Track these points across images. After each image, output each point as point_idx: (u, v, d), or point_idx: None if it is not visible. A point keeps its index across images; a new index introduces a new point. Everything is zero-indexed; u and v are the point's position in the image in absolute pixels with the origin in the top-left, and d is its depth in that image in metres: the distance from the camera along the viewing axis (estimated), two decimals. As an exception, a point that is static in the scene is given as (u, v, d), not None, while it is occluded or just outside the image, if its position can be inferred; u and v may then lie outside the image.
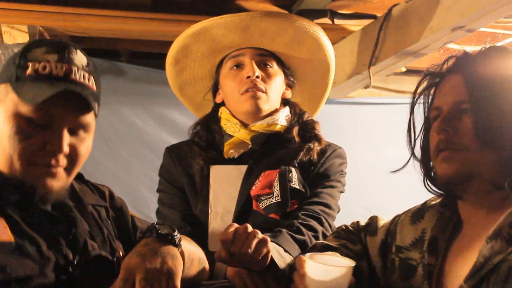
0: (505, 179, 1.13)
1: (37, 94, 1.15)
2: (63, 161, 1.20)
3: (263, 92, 1.79)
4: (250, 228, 1.38)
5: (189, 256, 1.26)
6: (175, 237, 1.18)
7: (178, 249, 1.17)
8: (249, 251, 1.33)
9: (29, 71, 1.18)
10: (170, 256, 1.12)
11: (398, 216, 1.45)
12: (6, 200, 1.17)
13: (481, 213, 1.21)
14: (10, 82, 1.19)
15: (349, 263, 1.26)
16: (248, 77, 1.79)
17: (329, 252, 1.40)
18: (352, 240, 1.50)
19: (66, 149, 1.19)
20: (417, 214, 1.38)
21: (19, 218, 1.16)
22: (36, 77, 1.17)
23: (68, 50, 1.21)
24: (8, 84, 1.19)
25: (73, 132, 1.22)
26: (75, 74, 1.20)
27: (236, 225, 1.39)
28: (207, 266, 1.41)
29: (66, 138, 1.19)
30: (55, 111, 1.18)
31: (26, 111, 1.16)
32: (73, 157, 1.22)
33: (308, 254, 1.31)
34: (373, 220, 1.52)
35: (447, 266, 1.24)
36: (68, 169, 1.23)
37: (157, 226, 1.20)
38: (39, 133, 1.17)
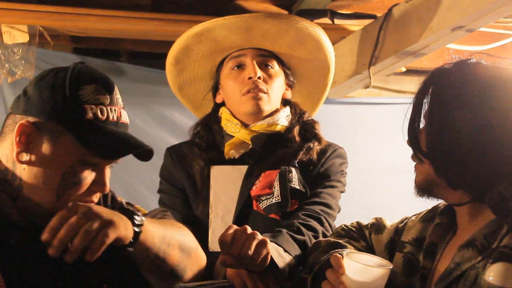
0: (459, 188, 1.23)
1: (111, 150, 1.18)
2: (97, 197, 1.25)
3: (264, 93, 1.79)
4: (249, 229, 1.38)
5: (163, 238, 1.26)
6: (135, 217, 1.18)
7: (133, 227, 1.17)
8: (249, 252, 1.33)
9: (88, 115, 1.15)
10: (119, 219, 1.13)
11: (408, 217, 1.48)
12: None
13: (466, 221, 1.27)
14: (63, 123, 1.15)
15: (387, 264, 1.26)
16: (250, 78, 1.79)
17: (348, 250, 1.40)
18: (354, 237, 1.51)
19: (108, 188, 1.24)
20: (428, 216, 1.41)
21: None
22: (96, 122, 1.16)
23: (114, 89, 1.22)
24: (60, 126, 1.15)
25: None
26: (123, 117, 1.22)
27: (235, 227, 1.39)
28: (199, 256, 1.40)
29: (108, 176, 1.24)
30: None
31: (83, 154, 1.16)
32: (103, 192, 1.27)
33: (345, 252, 1.30)
34: (377, 220, 1.54)
35: (436, 270, 1.28)
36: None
37: (126, 203, 1.27)
38: (89, 174, 1.19)
